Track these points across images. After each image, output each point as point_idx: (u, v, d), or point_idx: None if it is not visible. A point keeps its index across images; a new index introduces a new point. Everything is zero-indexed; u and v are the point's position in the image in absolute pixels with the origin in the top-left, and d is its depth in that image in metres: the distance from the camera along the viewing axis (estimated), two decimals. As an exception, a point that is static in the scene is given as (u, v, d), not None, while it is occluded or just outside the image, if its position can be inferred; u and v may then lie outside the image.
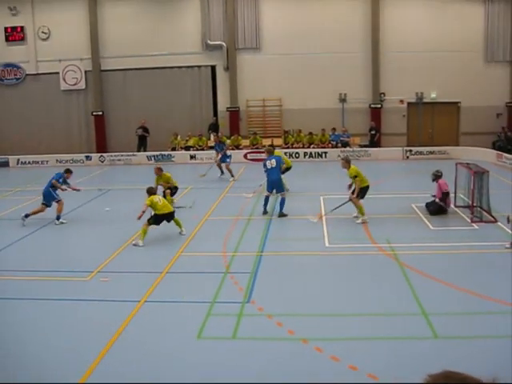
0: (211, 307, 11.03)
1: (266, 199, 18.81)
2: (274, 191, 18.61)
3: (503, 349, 9.22)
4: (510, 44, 32.88)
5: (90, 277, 12.97)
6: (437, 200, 18.27)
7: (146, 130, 32.89)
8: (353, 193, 17.53)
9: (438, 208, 18.19)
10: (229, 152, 26.11)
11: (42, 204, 18.32)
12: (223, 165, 25.38)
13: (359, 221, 17.21)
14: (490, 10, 32.79)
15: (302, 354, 9.20)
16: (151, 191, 16.28)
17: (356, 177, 17.37)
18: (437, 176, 18.59)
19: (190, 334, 9.89)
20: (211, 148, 31.42)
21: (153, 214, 15.83)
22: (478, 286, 11.98)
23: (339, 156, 30.21)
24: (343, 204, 17.59)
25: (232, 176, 25.17)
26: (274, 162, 18.58)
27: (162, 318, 10.74)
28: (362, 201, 17.50)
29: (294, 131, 32.71)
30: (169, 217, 16.11)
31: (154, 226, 15.83)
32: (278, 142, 32.38)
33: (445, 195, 18.17)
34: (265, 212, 18.75)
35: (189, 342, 9.66)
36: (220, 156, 25.52)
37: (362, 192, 17.45)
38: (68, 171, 19.30)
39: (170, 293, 11.95)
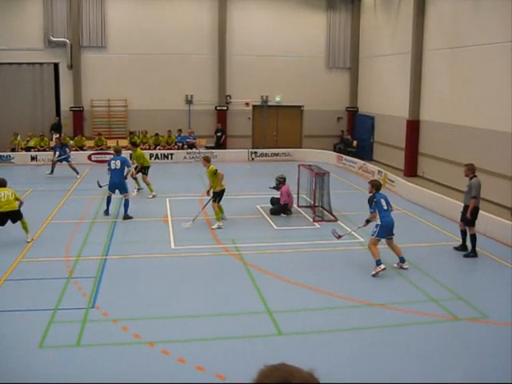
0: (54, 314, 10.67)
1: (109, 199, 18.56)
2: (117, 192, 18.46)
3: (345, 343, 9.66)
4: (349, 51, 34.48)
5: None
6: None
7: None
8: (208, 192, 17.57)
9: (278, 208, 18.70)
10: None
11: None
12: (67, 164, 25.57)
13: (215, 226, 17.11)
14: (332, 18, 34.19)
15: (149, 357, 9.13)
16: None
17: (216, 173, 17.29)
18: (279, 181, 19.01)
19: (32, 343, 9.51)
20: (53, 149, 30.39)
21: None
22: (320, 282, 12.47)
23: (185, 157, 30.34)
24: (204, 206, 17.61)
25: (77, 173, 25.48)
26: (118, 162, 18.37)
27: (1, 327, 10.21)
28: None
29: (140, 132, 32.33)
30: (13, 216, 15.23)
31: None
32: (124, 143, 31.76)
33: (285, 206, 18.64)
34: (107, 212, 18.50)
35: (31, 352, 9.28)
36: (63, 157, 25.51)
37: (218, 195, 17.42)
38: None
39: (9, 301, 11.40)
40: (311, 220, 17.94)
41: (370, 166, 26.40)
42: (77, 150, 30.46)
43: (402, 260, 13.53)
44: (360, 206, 19.91)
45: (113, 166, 18.32)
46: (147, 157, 22.92)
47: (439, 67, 24.75)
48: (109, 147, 31.19)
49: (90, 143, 31.69)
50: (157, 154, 30.80)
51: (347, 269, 13.65)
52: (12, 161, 29.47)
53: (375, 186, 13.70)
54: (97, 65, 32.69)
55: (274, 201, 19.00)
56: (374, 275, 12.90)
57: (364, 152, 31.87)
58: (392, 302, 11.44)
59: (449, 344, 9.75)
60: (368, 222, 13.70)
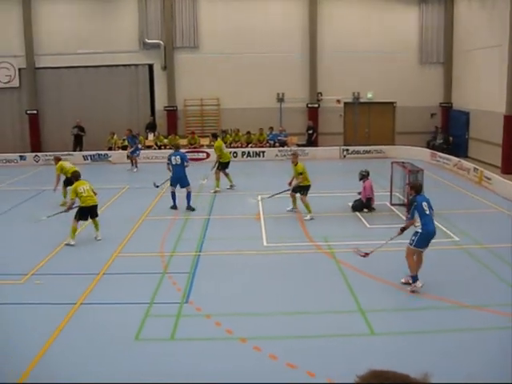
0: (149, 308, 10.94)
1: (173, 194, 19.23)
2: (179, 186, 19.15)
3: (437, 343, 9.44)
4: (443, 46, 33.64)
5: (24, 280, 12.66)
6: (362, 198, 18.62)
7: (81, 129, 32.31)
8: (293, 190, 17.84)
9: (361, 204, 18.54)
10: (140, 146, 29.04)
11: None
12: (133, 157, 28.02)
13: (308, 217, 17.41)
14: (424, 11, 33.47)
15: (241, 353, 9.22)
16: (76, 175, 16.06)
17: (301, 174, 17.60)
18: (363, 176, 18.87)
19: (128, 336, 9.79)
20: (148, 148, 31.17)
21: (78, 207, 15.54)
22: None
23: (277, 155, 30.42)
24: (282, 192, 17.79)
25: (136, 167, 27.83)
26: (178, 158, 19.14)
27: (99, 320, 10.57)
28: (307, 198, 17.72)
29: (232, 130, 32.70)
30: (93, 210, 15.71)
31: (84, 223, 15.69)
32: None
33: (368, 200, 18.46)
34: (174, 207, 19.13)
35: (127, 344, 9.57)
36: (132, 149, 28.01)
37: (304, 189, 17.67)
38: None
39: (107, 294, 11.79)
40: (404, 218, 17.58)
41: (465, 163, 25.66)
42: (171, 149, 31.06)
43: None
44: (454, 204, 19.50)
45: (174, 162, 19.09)
46: (227, 151, 23.08)
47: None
48: (202, 145, 31.72)
49: (184, 142, 32.28)
50: (248, 152, 31.04)
51: (441, 268, 13.30)
52: (109, 159, 30.41)
53: (415, 187, 12.51)
54: (190, 65, 33.29)
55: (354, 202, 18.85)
56: (411, 291, 11.66)
57: (459, 149, 31.00)
58: (489, 304, 11.06)
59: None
60: (403, 230, 12.35)
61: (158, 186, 20.11)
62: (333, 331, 9.97)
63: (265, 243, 15.33)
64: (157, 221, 17.86)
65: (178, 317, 10.56)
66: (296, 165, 17.91)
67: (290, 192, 18.25)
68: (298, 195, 18.08)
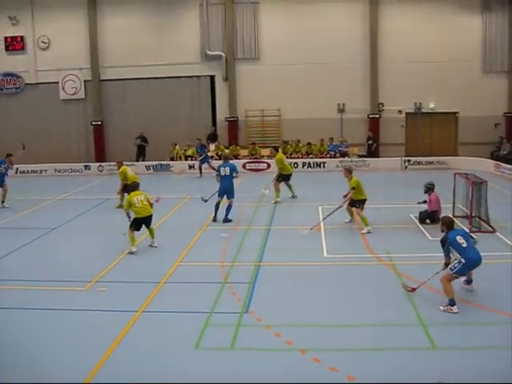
0: (209, 317, 11.01)
1: (217, 206, 19.24)
2: (225, 197, 19.21)
3: (501, 359, 9.22)
4: (507, 54, 33.00)
5: (88, 286, 12.95)
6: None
7: (144, 139, 32.92)
8: (350, 204, 17.73)
9: (425, 215, 18.29)
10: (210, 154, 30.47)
11: None
12: (204, 166, 28.99)
13: (364, 231, 17.19)
14: (488, 20, 32.92)
15: (301, 364, 9.18)
16: (134, 186, 16.39)
17: (354, 188, 17.46)
18: (428, 188, 18.62)
19: (188, 344, 9.88)
20: (210, 158, 31.48)
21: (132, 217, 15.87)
22: (478, 297, 11.98)
23: (337, 166, 30.28)
24: (335, 210, 17.66)
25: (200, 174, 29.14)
26: (228, 169, 19.15)
27: (160, 327, 10.71)
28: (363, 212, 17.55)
29: (293, 141, 32.75)
30: (147, 221, 15.95)
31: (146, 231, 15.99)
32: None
33: (433, 213, 18.19)
34: (215, 219, 19.15)
35: (187, 352, 9.65)
36: (202, 157, 29.02)
37: (359, 203, 17.55)
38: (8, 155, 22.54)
39: (168, 303, 11.93)
40: (467, 231, 17.25)
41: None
42: (232, 159, 31.34)
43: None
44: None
45: (222, 173, 19.12)
46: (288, 163, 23.04)
47: None
48: (262, 156, 31.88)
49: (245, 152, 32.53)
50: (309, 163, 31.03)
51: (506, 283, 12.97)
52: (171, 169, 30.85)
53: (446, 223, 12.05)
54: (251, 76, 33.58)
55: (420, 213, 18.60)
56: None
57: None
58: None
59: None
60: (447, 265, 11.85)
61: (206, 201, 19.98)
62: (393, 344, 9.84)
63: (325, 254, 15.26)
64: (218, 230, 17.97)
65: (238, 327, 10.60)
66: (350, 179, 17.82)
67: (346, 206, 18.14)
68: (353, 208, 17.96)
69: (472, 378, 8.56)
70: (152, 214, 16.05)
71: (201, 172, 28.84)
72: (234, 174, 19.26)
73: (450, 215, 18.13)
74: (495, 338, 10.05)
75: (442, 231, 12.09)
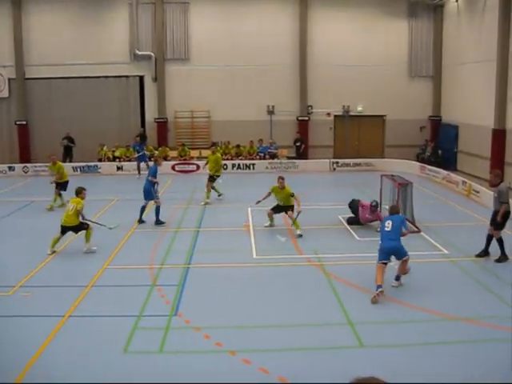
0: (138, 321, 10.88)
1: (142, 208, 19.13)
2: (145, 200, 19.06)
3: (427, 356, 9.43)
4: (432, 59, 33.91)
5: (12, 291, 12.57)
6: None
7: (71, 140, 32.21)
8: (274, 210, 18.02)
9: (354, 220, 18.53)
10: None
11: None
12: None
13: (298, 232, 17.22)
14: (414, 25, 33.75)
15: (231, 366, 9.18)
16: (77, 191, 16.13)
17: (293, 196, 17.50)
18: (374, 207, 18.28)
19: (117, 349, 9.73)
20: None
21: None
22: (402, 294, 12.25)
23: (267, 168, 30.46)
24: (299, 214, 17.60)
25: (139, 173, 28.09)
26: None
27: (87, 332, 10.50)
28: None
29: (223, 143, 32.72)
30: (72, 229, 15.74)
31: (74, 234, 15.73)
32: (207, 153, 32.29)
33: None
34: (141, 221, 18.98)
35: (115, 357, 9.51)
36: (140, 154, 28.60)
37: (291, 207, 17.69)
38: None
39: (95, 307, 11.72)
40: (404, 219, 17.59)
41: (454, 176, 25.78)
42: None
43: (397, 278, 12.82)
44: (444, 216, 19.56)
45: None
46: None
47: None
48: (192, 157, 31.75)
49: (174, 153, 32.31)
50: (239, 164, 31.06)
51: (430, 281, 13.34)
52: (99, 170, 30.34)
53: (390, 209, 13.46)
54: (180, 77, 33.37)
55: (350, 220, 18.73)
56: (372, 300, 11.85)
57: (448, 162, 31.18)
58: (477, 316, 11.08)
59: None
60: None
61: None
62: (322, 344, 9.95)
63: (254, 256, 15.31)
64: (146, 233, 17.82)
65: (167, 330, 10.51)
66: (283, 188, 17.80)
67: (268, 211, 18.23)
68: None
69: (400, 375, 8.73)
70: (75, 225, 15.68)
71: (139, 171, 28.40)
72: (150, 178, 18.99)
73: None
74: (422, 335, 10.30)
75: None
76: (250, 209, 20.36)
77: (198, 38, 33.21)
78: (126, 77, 33.79)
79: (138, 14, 32.90)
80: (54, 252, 15.41)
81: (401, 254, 12.45)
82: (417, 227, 17.79)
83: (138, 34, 33.05)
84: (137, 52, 33.09)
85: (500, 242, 14.69)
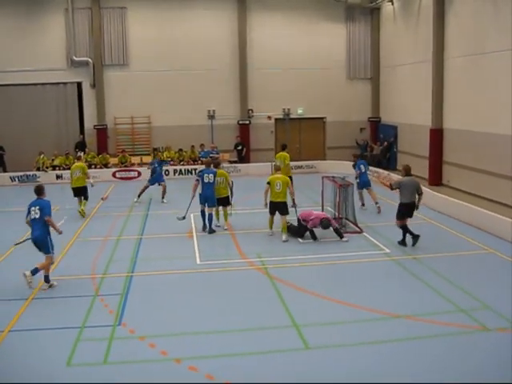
0: (81, 332, 10.68)
1: (203, 213, 18.56)
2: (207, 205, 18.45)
3: (372, 356, 9.54)
4: (370, 61, 34.48)
5: (-52, 307, 12.21)
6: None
7: (1, 148, 31.32)
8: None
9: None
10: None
11: None
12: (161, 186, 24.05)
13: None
14: (351, 29, 34.29)
15: (177, 374, 9.10)
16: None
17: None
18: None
19: (59, 362, 9.52)
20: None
21: None
22: (347, 295, 12.38)
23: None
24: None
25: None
26: (211, 176, 18.29)
27: (28, 347, 10.23)
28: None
29: (164, 148, 32.52)
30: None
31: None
32: (148, 159, 32.05)
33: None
34: (205, 227, 18.47)
35: (58, 370, 9.29)
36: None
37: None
38: None
39: (36, 320, 11.43)
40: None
41: (394, 176, 26.18)
42: (101, 168, 30.76)
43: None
44: (385, 216, 19.84)
45: (206, 180, 18.18)
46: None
47: (461, 74, 24.58)
48: (133, 164, 31.47)
49: (114, 160, 31.96)
50: (181, 170, 30.91)
51: (373, 280, 13.56)
52: (38, 179, 29.72)
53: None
54: (119, 83, 33.03)
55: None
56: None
57: (388, 162, 31.73)
58: (420, 313, 11.27)
59: (479, 355, 9.56)
60: None
61: (184, 218, 18.95)
62: (268, 347, 9.95)
63: (198, 261, 15.25)
64: (88, 242, 17.55)
65: (111, 340, 10.35)
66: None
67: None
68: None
69: (347, 375, 8.81)
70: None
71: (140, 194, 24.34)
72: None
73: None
74: (367, 334, 10.41)
75: None
76: (192, 215, 20.25)
77: (137, 43, 32.94)
78: (64, 83, 33.20)
79: (75, 20, 32.40)
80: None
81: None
82: (359, 227, 18.01)
83: (75, 40, 32.54)
84: (74, 58, 32.58)
85: (404, 228, 16.15)
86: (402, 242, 16.17)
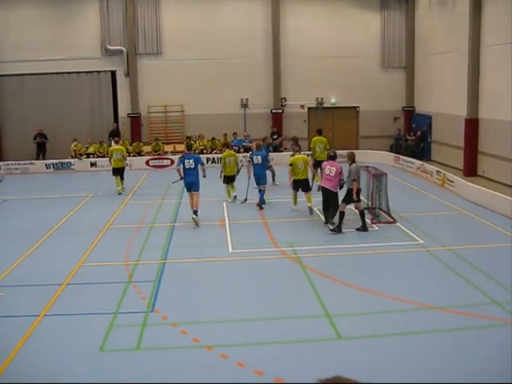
0: (114, 318, 10.78)
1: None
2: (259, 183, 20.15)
3: (405, 346, 9.48)
4: (405, 50, 34.07)
5: (-15, 292, 12.43)
6: None
7: (44, 136, 31.87)
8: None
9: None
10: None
11: None
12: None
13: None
14: (386, 17, 33.88)
15: (208, 361, 9.13)
16: None
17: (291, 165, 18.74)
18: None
19: (93, 347, 9.63)
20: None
21: None
22: (379, 285, 12.29)
23: (242, 161, 30.32)
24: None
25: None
26: (259, 158, 20.18)
27: (62, 331, 10.38)
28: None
29: (197, 137, 32.61)
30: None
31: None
32: (181, 147, 32.22)
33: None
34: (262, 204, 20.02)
35: (91, 355, 9.40)
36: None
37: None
38: None
39: (70, 305, 11.58)
40: (369, 222, 17.69)
41: (428, 167, 25.95)
42: (135, 156, 30.96)
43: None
44: (419, 206, 19.68)
45: (255, 161, 20.23)
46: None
47: (497, 63, 24.15)
48: (166, 152, 31.59)
49: (148, 148, 32.13)
50: (213, 158, 30.95)
51: (406, 271, 13.45)
52: (72, 167, 30.03)
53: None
54: (153, 71, 33.14)
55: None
56: None
57: (422, 152, 31.41)
58: (452, 305, 11.15)
59: (514, 348, 9.44)
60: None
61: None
62: (300, 336, 9.94)
63: (230, 249, 15.27)
64: (121, 229, 17.69)
65: (144, 326, 10.43)
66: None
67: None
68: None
69: (378, 366, 8.77)
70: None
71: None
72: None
73: (353, 207, 18.44)
74: (398, 325, 10.34)
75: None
76: (225, 203, 20.32)
77: (170, 32, 33.00)
78: (98, 72, 33.47)
79: (109, 8, 32.59)
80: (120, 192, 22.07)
81: None
82: (392, 217, 17.86)
83: (109, 29, 32.74)
84: (108, 47, 32.79)
85: (362, 214, 16.72)
86: (363, 228, 16.73)
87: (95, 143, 31.78)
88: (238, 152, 31.50)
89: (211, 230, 17.40)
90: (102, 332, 10.14)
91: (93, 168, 30.42)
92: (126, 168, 24.05)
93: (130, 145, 31.87)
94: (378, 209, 18.40)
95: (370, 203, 18.57)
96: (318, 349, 9.52)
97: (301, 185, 18.81)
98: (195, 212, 17.77)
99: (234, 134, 32.60)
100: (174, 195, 22.23)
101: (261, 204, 19.83)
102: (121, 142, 26.54)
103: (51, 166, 30.31)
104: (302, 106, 34.26)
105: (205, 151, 31.49)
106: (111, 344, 9.77)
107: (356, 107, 34.63)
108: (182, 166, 18.18)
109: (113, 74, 33.57)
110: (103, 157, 30.15)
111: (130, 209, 20.58)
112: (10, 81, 32.96)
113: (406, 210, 19.21)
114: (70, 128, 32.45)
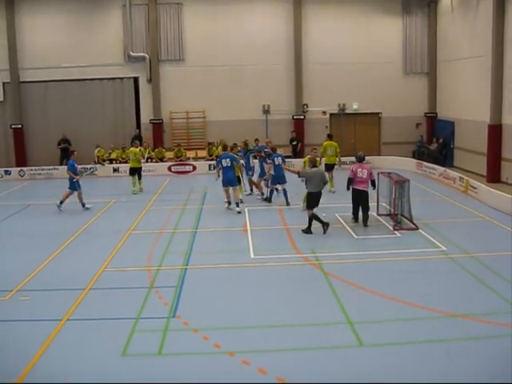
0: (136, 323, 10.82)
1: (271, 192, 22.03)
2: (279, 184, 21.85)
3: (427, 354, 9.40)
4: (427, 56, 33.90)
5: (9, 296, 12.50)
6: None
7: (67, 141, 32.12)
8: None
9: None
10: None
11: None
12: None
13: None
14: (408, 22, 33.73)
15: (229, 367, 9.12)
16: None
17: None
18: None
19: (115, 352, 9.67)
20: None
21: None
22: (402, 292, 12.20)
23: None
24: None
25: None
26: (280, 159, 22.06)
27: (85, 336, 10.44)
28: None
29: (218, 143, 32.67)
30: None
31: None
32: (203, 153, 32.36)
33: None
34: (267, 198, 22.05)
35: (113, 360, 9.44)
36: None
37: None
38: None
39: (93, 310, 11.65)
40: (391, 229, 17.59)
41: (451, 173, 25.76)
42: (157, 162, 31.10)
43: None
44: (441, 213, 19.54)
45: (276, 162, 21.67)
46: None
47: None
48: (188, 158, 31.70)
49: (170, 154, 32.27)
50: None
51: (429, 278, 13.33)
52: (95, 173, 30.22)
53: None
54: (175, 77, 33.30)
55: None
56: None
57: (444, 158, 31.20)
58: (475, 312, 11.02)
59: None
60: None
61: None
62: (321, 344, 9.90)
63: (252, 256, 15.26)
64: (143, 235, 17.76)
65: (165, 332, 10.45)
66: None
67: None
68: None
69: (400, 374, 8.71)
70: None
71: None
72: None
73: (375, 214, 18.49)
74: (421, 333, 10.25)
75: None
76: (247, 209, 20.32)
77: (192, 39, 33.17)
78: (121, 78, 33.74)
79: (132, 16, 32.84)
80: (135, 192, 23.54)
81: None
82: (414, 224, 17.75)
83: (132, 36, 32.99)
84: (131, 53, 33.02)
85: (310, 220, 17.16)
86: (308, 230, 17.24)
87: (118, 149, 31.98)
88: (260, 158, 31.52)
89: (233, 235, 17.41)
90: (124, 337, 10.18)
91: (115, 174, 30.61)
92: (149, 173, 23.98)
93: (153, 151, 32.02)
94: (401, 215, 18.29)
95: (392, 209, 18.47)
96: (339, 356, 9.47)
97: (330, 168, 23.37)
98: (237, 204, 20.12)
99: (256, 140, 32.54)
100: (196, 201, 22.29)
101: (270, 199, 21.79)
102: (138, 144, 26.67)
103: (74, 172, 30.43)
104: (324, 112, 34.22)
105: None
106: (133, 349, 9.80)
107: (378, 113, 34.50)
108: (220, 165, 20.51)
109: (135, 80, 33.82)
110: (125, 162, 30.28)
111: (153, 214, 20.66)
112: (34, 87, 33.35)
113: (428, 216, 19.07)
114: (92, 134, 32.74)
